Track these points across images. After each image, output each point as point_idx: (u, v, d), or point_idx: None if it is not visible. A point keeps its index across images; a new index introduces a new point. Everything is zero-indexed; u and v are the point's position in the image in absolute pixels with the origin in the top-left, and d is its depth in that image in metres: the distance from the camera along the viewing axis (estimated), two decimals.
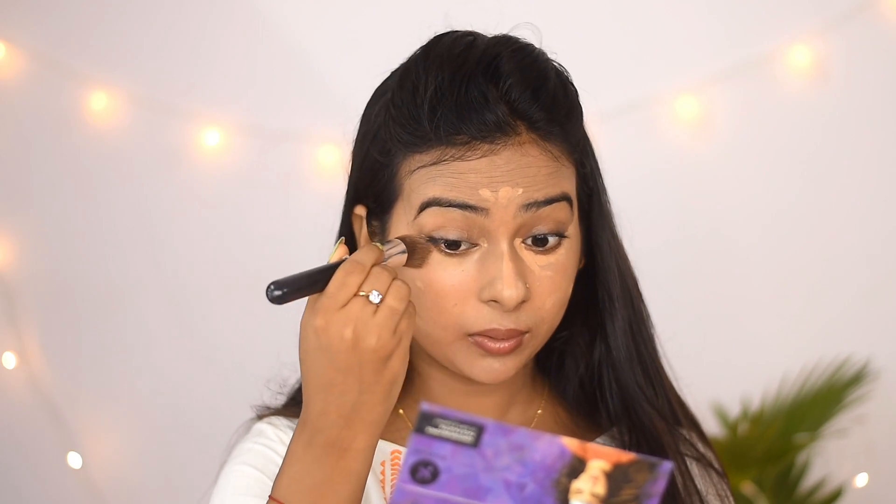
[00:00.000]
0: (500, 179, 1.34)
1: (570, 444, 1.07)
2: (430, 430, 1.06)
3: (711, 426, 2.97)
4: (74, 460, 3.29)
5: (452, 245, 1.35)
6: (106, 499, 3.32)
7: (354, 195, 1.46)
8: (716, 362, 3.16)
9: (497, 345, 1.36)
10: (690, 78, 3.19)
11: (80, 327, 3.29)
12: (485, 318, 1.35)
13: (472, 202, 1.34)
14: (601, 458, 1.07)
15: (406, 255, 1.34)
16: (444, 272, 1.35)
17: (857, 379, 3.01)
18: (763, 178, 3.21)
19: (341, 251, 1.31)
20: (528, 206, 1.35)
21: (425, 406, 1.05)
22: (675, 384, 1.50)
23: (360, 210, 1.44)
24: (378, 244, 1.31)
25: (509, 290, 1.33)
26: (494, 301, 1.34)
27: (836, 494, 3.03)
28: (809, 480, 3.06)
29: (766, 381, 3.04)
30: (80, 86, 3.22)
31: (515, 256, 1.35)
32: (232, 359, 3.25)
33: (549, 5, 3.16)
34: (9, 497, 3.30)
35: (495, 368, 1.37)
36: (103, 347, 3.29)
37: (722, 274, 3.24)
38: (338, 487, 1.26)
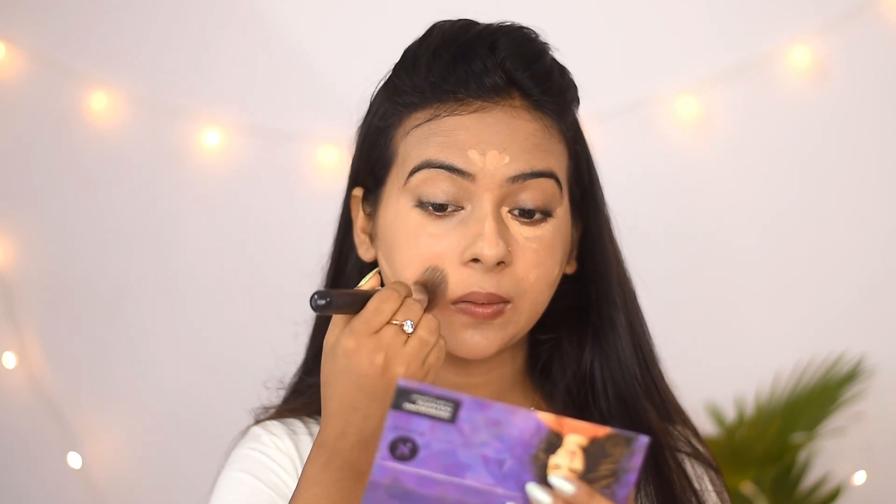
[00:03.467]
0: (488, 140, 1.36)
1: (547, 418, 1.07)
2: (408, 405, 1.06)
3: (706, 426, 2.97)
4: (74, 460, 3.29)
5: (439, 208, 1.37)
6: (106, 499, 3.32)
7: (354, 177, 1.47)
8: (711, 362, 3.16)
9: (481, 309, 1.36)
10: (690, 78, 3.19)
11: (81, 327, 3.29)
12: (465, 280, 1.36)
13: (459, 165, 1.36)
14: (577, 432, 1.07)
15: (426, 297, 1.35)
16: (428, 236, 1.37)
17: (852, 376, 3.01)
18: (762, 177, 3.21)
19: (374, 280, 1.34)
20: (515, 178, 1.36)
21: (402, 382, 1.06)
22: (667, 382, 1.51)
23: (358, 192, 1.46)
24: (403, 284, 1.33)
25: (489, 248, 1.34)
26: (474, 261, 1.35)
27: (836, 493, 3.03)
28: (808, 479, 3.06)
29: (760, 381, 3.04)
30: (80, 86, 3.23)
31: (499, 219, 1.36)
32: (232, 358, 3.25)
33: (549, 6, 3.16)
34: (9, 497, 3.30)
35: (477, 342, 1.37)
36: (103, 347, 3.30)
37: (719, 273, 3.24)
38: None
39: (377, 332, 1.26)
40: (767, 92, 3.17)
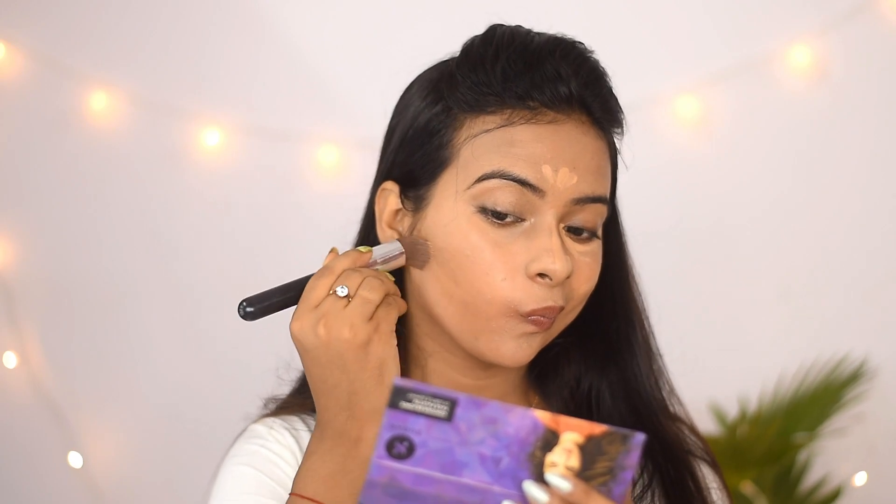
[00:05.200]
0: (561, 157, 1.37)
1: (543, 416, 1.07)
2: (404, 404, 1.07)
3: (709, 426, 2.97)
4: (75, 460, 3.29)
5: (499, 216, 1.37)
6: (106, 498, 3.32)
7: (387, 171, 1.45)
8: (713, 361, 3.16)
9: (546, 321, 1.37)
10: (690, 78, 3.19)
11: (81, 327, 3.29)
12: (538, 295, 1.36)
13: (531, 180, 1.36)
14: (574, 430, 1.07)
15: (404, 255, 1.35)
16: (489, 243, 1.36)
17: (855, 377, 3.02)
18: (762, 177, 3.21)
19: (331, 257, 1.35)
20: (579, 200, 1.37)
21: (398, 381, 1.06)
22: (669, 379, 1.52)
23: (390, 185, 1.44)
24: (365, 247, 1.35)
25: (560, 264, 1.35)
26: (541, 275, 1.36)
27: (836, 493, 3.03)
28: (809, 480, 3.06)
29: (763, 381, 3.04)
30: (80, 86, 3.23)
31: (561, 234, 1.38)
32: (232, 358, 3.25)
33: (550, 6, 3.16)
34: (9, 497, 3.30)
35: (522, 349, 1.38)
36: (104, 347, 3.30)
37: (720, 273, 3.24)
38: (351, 475, 1.30)
39: (317, 306, 1.30)
40: (767, 92, 3.17)
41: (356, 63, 3.06)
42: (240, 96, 3.27)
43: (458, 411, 1.07)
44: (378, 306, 1.30)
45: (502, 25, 1.43)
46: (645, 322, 1.49)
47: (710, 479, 1.47)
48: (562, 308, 1.38)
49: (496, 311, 1.36)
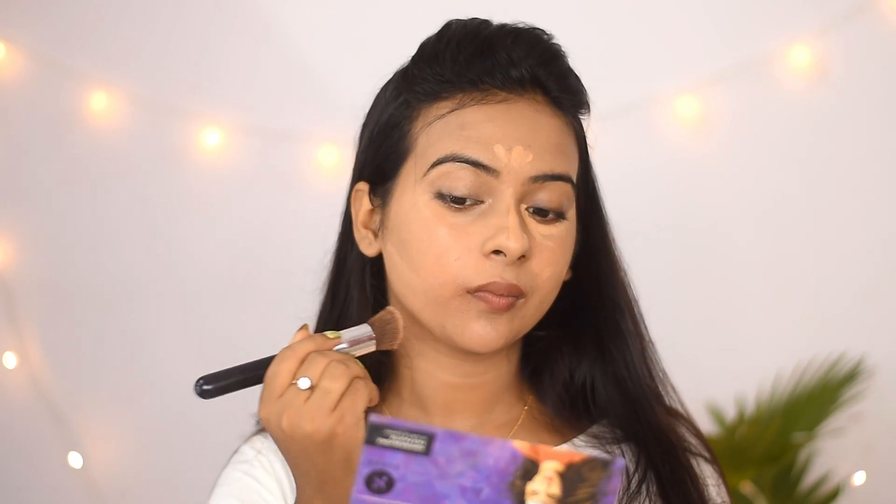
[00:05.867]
0: (514, 136, 1.36)
1: (522, 446, 1.07)
2: (381, 440, 1.06)
3: (706, 425, 2.97)
4: (75, 460, 3.29)
5: (458, 200, 1.36)
6: (106, 499, 3.32)
7: (359, 172, 1.45)
8: (711, 360, 3.16)
9: (497, 299, 1.35)
10: (690, 78, 3.19)
11: (81, 327, 3.30)
12: (487, 271, 1.35)
13: (484, 161, 1.35)
14: (553, 458, 1.07)
15: (374, 340, 1.32)
16: (447, 227, 1.36)
17: (852, 376, 3.02)
18: (762, 177, 3.21)
19: (300, 335, 1.31)
20: (536, 177, 1.36)
21: (373, 418, 1.05)
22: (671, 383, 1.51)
23: (362, 186, 1.44)
24: (332, 332, 1.31)
25: (514, 240, 1.34)
26: (496, 253, 1.35)
27: (835, 493, 3.03)
28: (808, 479, 3.06)
29: (760, 381, 3.04)
30: (80, 86, 3.23)
31: (520, 214, 1.36)
32: (232, 358, 3.24)
33: (550, 6, 3.16)
34: (9, 497, 3.30)
35: (487, 332, 1.36)
36: (104, 347, 3.30)
37: (719, 273, 3.24)
38: None
39: (280, 395, 1.27)
40: (767, 92, 3.17)
41: (356, 63, 3.06)
42: (240, 96, 3.27)
43: (436, 445, 1.07)
44: (343, 395, 1.25)
45: (460, 20, 1.43)
46: (634, 308, 1.47)
47: (707, 474, 1.46)
48: (522, 292, 1.36)
49: (450, 293, 1.36)
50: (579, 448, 1.44)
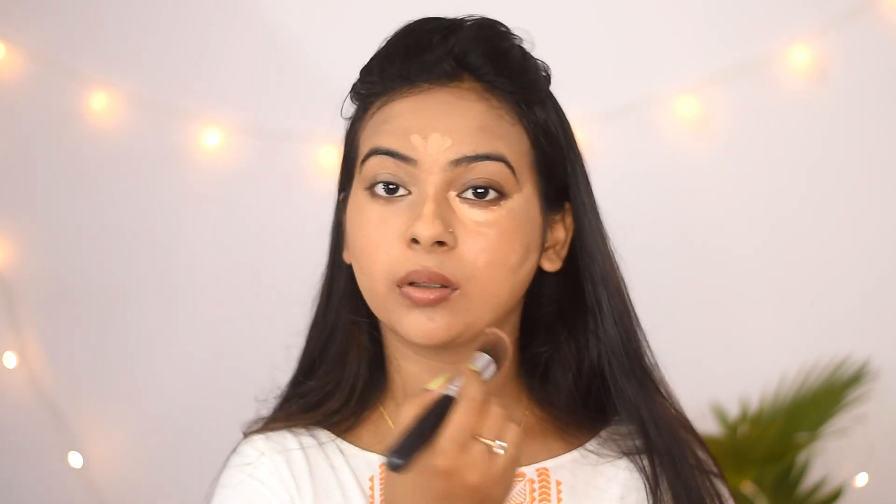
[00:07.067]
0: (432, 124, 1.35)
1: None
2: None
3: (711, 426, 2.97)
4: (75, 460, 3.29)
5: (389, 191, 1.36)
6: (106, 499, 3.32)
7: (340, 182, 1.48)
8: (715, 362, 3.16)
9: (420, 293, 1.33)
10: (690, 78, 3.19)
11: (81, 327, 3.29)
12: (409, 260, 1.33)
13: (402, 151, 1.35)
14: None
15: (495, 364, 1.28)
16: (376, 221, 1.36)
17: (857, 378, 3.02)
18: (762, 177, 3.21)
19: (475, 380, 1.25)
20: (458, 161, 1.34)
21: None
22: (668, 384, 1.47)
23: (342, 196, 1.46)
24: (472, 367, 1.26)
25: (425, 228, 1.32)
26: (415, 241, 1.33)
27: (836, 494, 3.03)
28: (809, 480, 3.06)
29: (765, 382, 3.04)
30: (81, 86, 3.23)
31: (441, 202, 1.34)
32: (232, 358, 3.25)
33: (550, 6, 3.16)
34: (9, 497, 3.30)
35: (423, 324, 1.34)
36: (104, 347, 3.30)
37: (721, 273, 3.24)
38: None
39: (465, 450, 1.21)
40: (767, 92, 3.17)
41: (357, 63, 3.05)
42: (240, 96, 3.27)
43: None
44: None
45: (411, 21, 1.45)
46: (622, 292, 1.43)
47: (724, 494, 1.43)
48: (449, 281, 1.33)
49: (385, 288, 1.35)
50: (589, 453, 1.42)
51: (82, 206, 3.27)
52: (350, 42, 3.20)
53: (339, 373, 1.44)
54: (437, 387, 1.23)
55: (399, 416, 1.24)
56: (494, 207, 1.35)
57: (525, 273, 1.38)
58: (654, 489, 1.39)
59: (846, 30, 3.13)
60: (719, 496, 1.42)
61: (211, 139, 3.25)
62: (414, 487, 1.21)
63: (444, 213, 1.34)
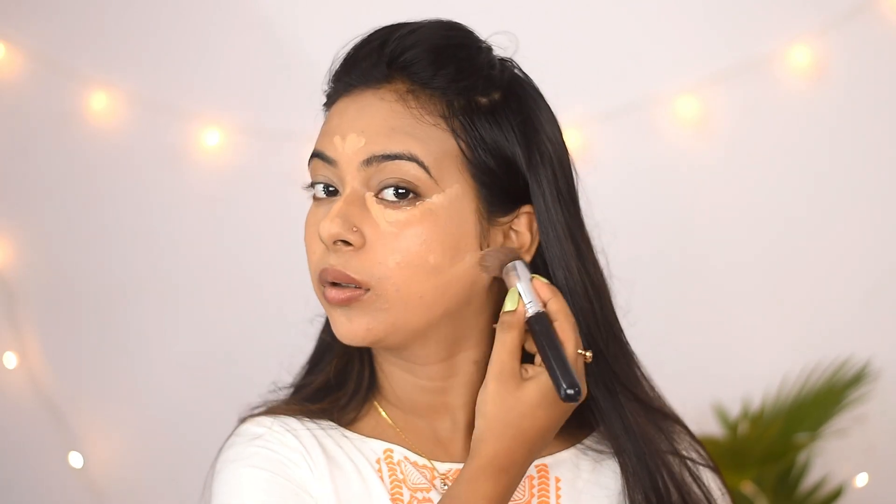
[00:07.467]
0: (352, 125, 1.37)
1: None
2: None
3: (712, 426, 2.97)
4: (75, 460, 3.29)
5: (328, 193, 1.38)
6: (106, 499, 3.32)
7: None
8: (716, 363, 3.16)
9: (334, 293, 1.35)
10: (690, 78, 3.19)
11: (81, 327, 3.30)
12: (321, 259, 1.36)
13: (326, 152, 1.37)
14: None
15: (522, 261, 1.37)
16: (311, 221, 1.39)
17: (858, 379, 3.02)
18: (762, 177, 3.21)
19: (550, 293, 1.35)
20: (369, 160, 1.35)
21: None
22: (651, 381, 1.46)
23: None
24: (519, 278, 1.36)
25: (324, 226, 1.34)
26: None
27: (836, 494, 3.03)
28: (809, 480, 3.06)
29: (766, 382, 3.04)
30: (81, 86, 3.23)
31: (356, 202, 1.35)
32: (232, 358, 3.25)
33: (550, 6, 3.16)
34: (9, 497, 3.30)
35: (343, 323, 1.36)
36: (104, 347, 3.30)
37: (722, 273, 3.24)
38: None
39: (579, 362, 1.33)
40: (767, 92, 3.17)
41: None
42: (240, 96, 3.27)
43: None
44: None
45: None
46: (589, 292, 1.39)
47: (711, 482, 1.44)
48: (358, 282, 1.34)
49: (316, 288, 1.38)
50: (588, 449, 1.43)
51: (82, 206, 3.27)
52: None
53: (345, 367, 1.46)
54: (520, 307, 1.33)
55: (499, 341, 1.32)
56: (409, 208, 1.35)
57: (458, 274, 1.36)
58: (631, 495, 1.40)
59: (846, 30, 3.13)
60: (705, 485, 1.42)
61: (211, 139, 3.25)
62: (548, 417, 1.32)
63: (353, 213, 1.35)
